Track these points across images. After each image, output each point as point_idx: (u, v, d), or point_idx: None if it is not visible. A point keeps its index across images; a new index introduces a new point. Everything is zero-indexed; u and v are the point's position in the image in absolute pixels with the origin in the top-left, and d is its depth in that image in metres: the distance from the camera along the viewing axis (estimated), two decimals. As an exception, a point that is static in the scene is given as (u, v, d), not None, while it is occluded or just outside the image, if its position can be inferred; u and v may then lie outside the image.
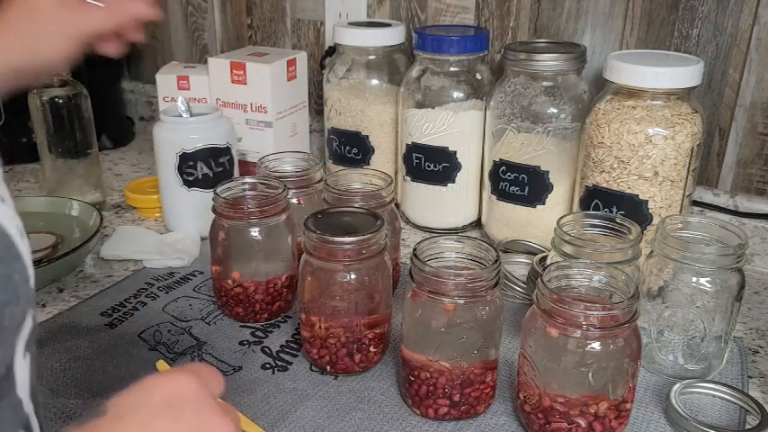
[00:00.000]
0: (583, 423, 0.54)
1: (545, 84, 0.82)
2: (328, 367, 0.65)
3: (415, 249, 0.58)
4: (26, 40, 0.61)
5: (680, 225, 0.66)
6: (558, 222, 0.66)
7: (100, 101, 1.08)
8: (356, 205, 0.70)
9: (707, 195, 0.87)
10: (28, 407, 0.37)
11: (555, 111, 0.82)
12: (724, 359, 0.66)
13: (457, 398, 0.58)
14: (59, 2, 0.62)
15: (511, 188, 0.87)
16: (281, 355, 0.68)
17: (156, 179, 0.93)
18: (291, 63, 1.00)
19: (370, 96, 0.97)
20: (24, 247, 0.35)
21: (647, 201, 0.74)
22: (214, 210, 0.71)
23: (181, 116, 0.88)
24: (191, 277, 0.82)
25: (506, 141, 0.85)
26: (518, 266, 0.85)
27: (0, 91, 0.61)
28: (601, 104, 0.76)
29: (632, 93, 0.73)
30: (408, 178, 0.95)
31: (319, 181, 0.79)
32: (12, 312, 0.33)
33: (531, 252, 0.85)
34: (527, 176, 0.85)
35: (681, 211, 0.75)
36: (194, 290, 0.80)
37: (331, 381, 0.65)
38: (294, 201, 0.77)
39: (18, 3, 0.62)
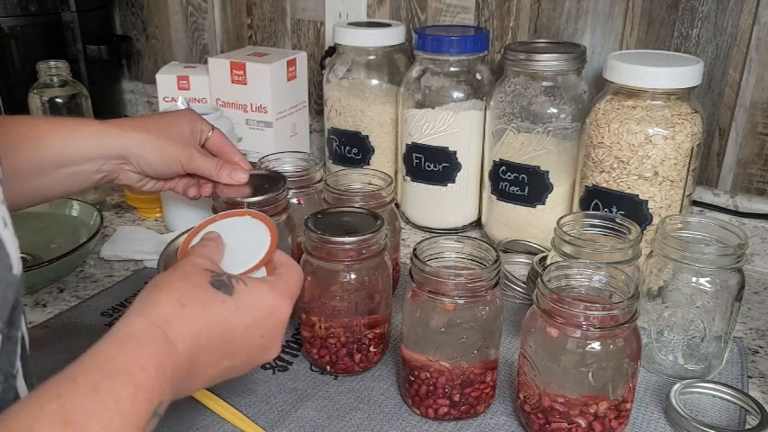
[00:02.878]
0: (583, 423, 0.54)
1: (545, 84, 0.82)
2: (328, 367, 0.65)
3: (415, 249, 0.58)
4: (147, 144, 0.67)
5: (680, 225, 0.66)
6: (557, 222, 0.66)
7: (100, 101, 1.08)
8: (356, 205, 0.70)
9: (707, 195, 0.87)
10: None
11: (555, 111, 0.82)
12: (724, 359, 0.66)
13: (457, 398, 0.58)
14: (191, 130, 0.71)
15: (511, 188, 0.87)
16: (281, 355, 0.68)
17: (157, 179, 0.93)
18: (291, 63, 1.00)
19: (370, 96, 0.97)
20: (9, 236, 0.37)
21: (647, 201, 0.74)
22: (214, 210, 0.71)
23: (181, 116, 0.88)
24: (191, 277, 0.82)
25: (506, 141, 0.85)
26: (518, 266, 0.85)
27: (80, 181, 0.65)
28: (601, 104, 0.76)
29: (632, 93, 0.73)
30: (408, 178, 0.95)
31: (319, 181, 0.79)
32: None
33: (531, 252, 0.85)
34: (527, 176, 0.85)
35: (681, 211, 0.75)
36: (194, 290, 0.80)
37: (331, 381, 0.65)
38: (294, 201, 0.77)
39: (164, 114, 0.69)
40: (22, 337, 0.42)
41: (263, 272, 0.53)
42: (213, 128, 0.74)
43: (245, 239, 0.55)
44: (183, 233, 0.58)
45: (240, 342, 0.46)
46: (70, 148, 0.63)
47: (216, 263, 0.50)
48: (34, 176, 0.62)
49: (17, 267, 0.37)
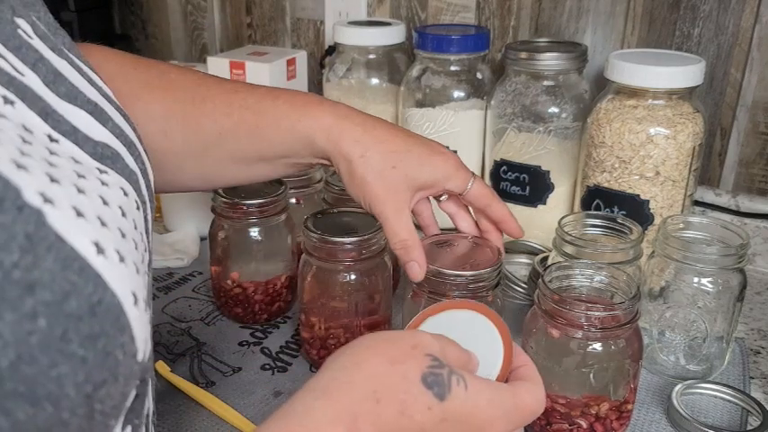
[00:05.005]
0: (584, 424, 0.54)
1: (546, 83, 0.82)
2: (328, 368, 0.65)
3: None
4: (369, 165, 0.55)
5: (681, 225, 0.66)
6: (559, 222, 0.66)
7: (99, 100, 1.08)
8: (356, 205, 0.70)
9: (708, 195, 0.87)
10: None
11: (556, 110, 0.82)
12: (725, 360, 0.66)
13: (457, 399, 0.58)
14: (441, 177, 0.57)
15: (512, 188, 0.86)
16: (281, 355, 0.68)
17: (156, 179, 0.92)
18: (291, 62, 0.99)
19: (371, 96, 0.97)
20: (137, 315, 0.29)
21: (649, 201, 0.74)
22: (213, 210, 0.71)
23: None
24: (190, 278, 0.82)
25: (507, 141, 0.85)
26: (519, 267, 0.84)
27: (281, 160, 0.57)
28: (602, 104, 0.75)
29: (634, 92, 0.73)
30: (409, 178, 0.94)
31: (319, 181, 0.79)
32: (107, 394, 0.28)
33: (532, 252, 0.85)
34: (528, 176, 0.85)
35: (682, 211, 0.75)
36: (193, 290, 0.80)
37: (331, 381, 0.65)
38: (294, 201, 0.77)
39: (424, 141, 0.57)
40: (147, 414, 0.36)
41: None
42: (474, 176, 0.59)
43: (470, 339, 0.42)
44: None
45: None
46: (292, 146, 0.56)
47: (444, 352, 0.38)
48: (252, 163, 0.58)
49: (144, 352, 0.31)
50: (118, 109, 0.41)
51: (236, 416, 0.59)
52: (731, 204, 0.86)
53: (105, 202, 0.30)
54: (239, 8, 1.19)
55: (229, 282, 0.72)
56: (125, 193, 0.34)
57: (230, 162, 0.58)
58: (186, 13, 1.25)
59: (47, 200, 0.26)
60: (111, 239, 0.29)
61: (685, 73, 0.71)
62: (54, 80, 0.35)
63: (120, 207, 0.32)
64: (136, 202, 0.35)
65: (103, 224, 0.29)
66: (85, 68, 0.40)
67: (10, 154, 0.26)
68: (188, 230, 0.90)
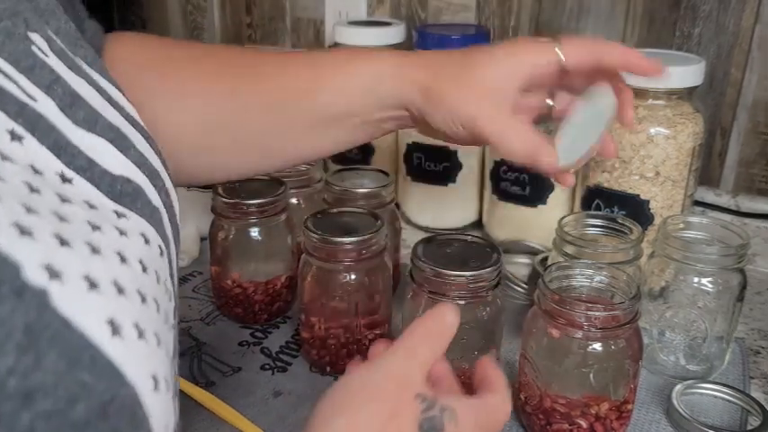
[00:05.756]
0: (584, 424, 0.54)
1: (546, 83, 0.82)
2: (328, 368, 0.65)
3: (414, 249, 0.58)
4: (430, 97, 0.49)
5: (681, 225, 0.66)
6: (559, 222, 0.66)
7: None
8: (356, 205, 0.70)
9: (708, 195, 0.87)
10: None
11: (556, 110, 0.81)
12: (725, 360, 0.66)
13: (457, 399, 0.58)
14: (516, 71, 0.50)
15: (512, 188, 0.86)
16: (281, 355, 0.68)
17: (156, 179, 0.92)
18: (291, 62, 0.99)
19: (371, 96, 0.96)
20: (157, 401, 0.26)
21: (649, 201, 0.74)
22: (213, 210, 0.71)
23: (180, 116, 0.88)
24: (190, 278, 0.82)
25: (507, 141, 0.85)
26: (519, 267, 0.84)
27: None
28: (602, 104, 0.75)
29: (634, 92, 0.73)
30: (408, 178, 0.94)
31: (319, 181, 0.79)
32: None
33: (532, 252, 0.85)
34: (528, 176, 0.85)
35: (682, 212, 0.75)
36: (193, 290, 0.80)
37: (331, 381, 0.65)
38: (294, 201, 0.77)
39: (484, 50, 0.51)
40: None
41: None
42: (559, 40, 0.50)
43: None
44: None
45: None
46: (349, 101, 0.51)
47: (427, 379, 0.38)
48: (307, 132, 0.53)
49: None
50: (141, 131, 0.37)
51: (235, 416, 0.59)
52: (731, 204, 0.86)
53: (123, 259, 0.27)
54: (239, 8, 1.19)
55: (229, 282, 0.72)
56: (146, 240, 0.31)
57: (297, 129, 0.53)
58: (186, 13, 1.25)
59: (53, 274, 0.23)
60: (128, 311, 0.25)
61: (685, 73, 0.71)
62: (71, 104, 0.32)
63: (141, 261, 0.29)
64: (159, 247, 0.32)
65: (120, 291, 0.25)
66: (108, 87, 0.37)
67: (12, 215, 0.23)
68: (188, 230, 0.90)
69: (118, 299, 0.25)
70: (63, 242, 0.24)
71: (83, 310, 0.23)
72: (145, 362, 0.25)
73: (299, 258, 0.66)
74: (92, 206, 0.28)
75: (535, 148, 0.49)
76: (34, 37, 0.32)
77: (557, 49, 0.49)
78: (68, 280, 0.23)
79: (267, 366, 0.66)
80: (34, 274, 0.22)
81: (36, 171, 0.27)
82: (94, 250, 0.25)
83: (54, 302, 0.22)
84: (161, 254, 0.32)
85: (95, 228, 0.27)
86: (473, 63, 0.49)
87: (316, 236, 0.61)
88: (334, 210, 0.68)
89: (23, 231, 0.23)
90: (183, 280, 0.82)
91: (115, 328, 0.24)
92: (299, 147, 0.54)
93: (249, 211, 0.69)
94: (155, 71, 0.50)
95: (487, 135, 0.49)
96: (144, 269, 0.28)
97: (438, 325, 0.39)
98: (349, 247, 0.61)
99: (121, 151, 0.34)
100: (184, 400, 0.62)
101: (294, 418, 0.60)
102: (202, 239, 0.89)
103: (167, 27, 1.28)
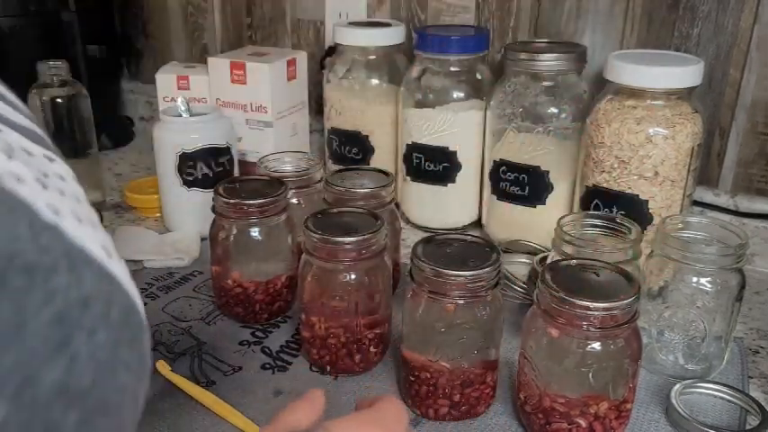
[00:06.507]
0: (583, 423, 0.54)
1: (545, 83, 0.82)
2: (328, 367, 0.65)
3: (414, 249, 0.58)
4: None
5: (680, 225, 0.66)
6: (558, 222, 0.66)
7: (100, 101, 1.08)
8: (356, 205, 0.70)
9: (707, 195, 0.87)
10: None
11: (555, 110, 0.82)
12: (724, 359, 0.66)
13: (457, 398, 0.58)
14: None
15: (511, 188, 0.86)
16: (281, 355, 0.68)
17: (156, 179, 0.92)
18: (291, 63, 1.00)
19: (371, 96, 0.97)
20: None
21: (648, 201, 0.74)
22: (214, 210, 0.71)
23: (181, 116, 0.88)
24: (190, 277, 0.82)
25: (507, 141, 0.85)
26: (519, 267, 0.85)
27: None
28: (601, 104, 0.76)
29: (633, 92, 0.73)
30: (408, 178, 0.94)
31: (319, 181, 0.79)
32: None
33: (531, 252, 0.85)
34: (527, 176, 0.85)
35: (681, 211, 0.75)
36: (194, 290, 0.80)
37: (331, 381, 0.65)
38: (294, 201, 0.77)
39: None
40: None
41: None
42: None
43: None
44: None
45: None
46: None
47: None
48: None
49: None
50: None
51: (236, 415, 0.59)
52: (730, 204, 0.86)
53: (79, 200, 0.30)
54: (240, 9, 1.19)
55: (230, 281, 0.72)
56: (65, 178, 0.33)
57: None
58: (187, 14, 1.25)
59: (55, 212, 0.26)
60: (101, 238, 0.29)
61: (684, 73, 0.72)
62: None
63: (77, 196, 0.31)
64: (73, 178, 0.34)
65: (90, 223, 0.29)
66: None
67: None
68: (188, 230, 0.91)
69: (94, 229, 0.29)
70: (44, 186, 0.27)
71: (86, 239, 0.27)
72: (126, 270, 0.29)
73: (299, 258, 0.66)
74: (30, 153, 0.30)
75: None
76: None
77: None
78: (65, 216, 0.27)
79: (267, 366, 0.67)
80: (45, 213, 0.26)
81: (28, 153, 0.29)
82: (61, 192, 0.29)
83: (69, 234, 0.26)
84: (75, 179, 0.35)
85: (45, 175, 0.29)
86: None
87: (316, 236, 0.61)
88: (335, 210, 0.68)
89: (20, 180, 0.26)
90: (183, 279, 0.82)
91: (108, 252, 0.28)
92: None
93: (250, 211, 0.69)
94: None
95: None
96: (79, 201, 0.31)
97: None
98: (349, 246, 0.61)
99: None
100: (185, 399, 0.62)
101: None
102: (203, 239, 0.89)
103: (168, 28, 1.29)
